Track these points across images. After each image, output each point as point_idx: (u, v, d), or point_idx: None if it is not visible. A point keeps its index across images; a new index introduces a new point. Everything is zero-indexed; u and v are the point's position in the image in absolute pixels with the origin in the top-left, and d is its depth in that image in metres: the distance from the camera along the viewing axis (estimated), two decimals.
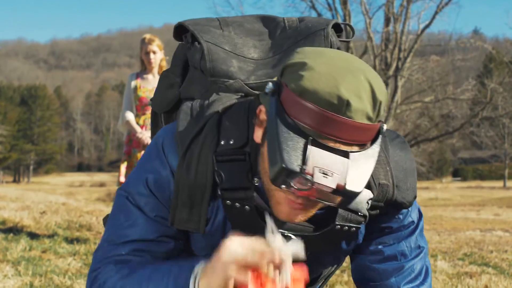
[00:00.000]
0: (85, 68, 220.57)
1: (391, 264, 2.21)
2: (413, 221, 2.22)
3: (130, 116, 7.48)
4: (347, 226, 2.03)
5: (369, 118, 1.74)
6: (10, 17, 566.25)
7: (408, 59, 36.77)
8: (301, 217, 1.92)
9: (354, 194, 1.73)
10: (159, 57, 7.62)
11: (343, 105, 1.70)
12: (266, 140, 1.85)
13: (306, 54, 1.82)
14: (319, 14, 37.32)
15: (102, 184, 69.46)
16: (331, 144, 1.72)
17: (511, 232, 13.49)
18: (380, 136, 1.83)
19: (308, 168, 1.68)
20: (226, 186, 1.96)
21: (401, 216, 2.19)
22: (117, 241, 2.08)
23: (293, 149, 1.70)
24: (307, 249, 1.90)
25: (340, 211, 2.01)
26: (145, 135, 7.28)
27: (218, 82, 2.22)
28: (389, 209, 2.13)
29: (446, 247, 8.85)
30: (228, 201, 1.98)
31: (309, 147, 1.70)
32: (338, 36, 2.46)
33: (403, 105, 39.79)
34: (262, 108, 1.91)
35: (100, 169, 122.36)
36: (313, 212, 1.93)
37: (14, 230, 8.06)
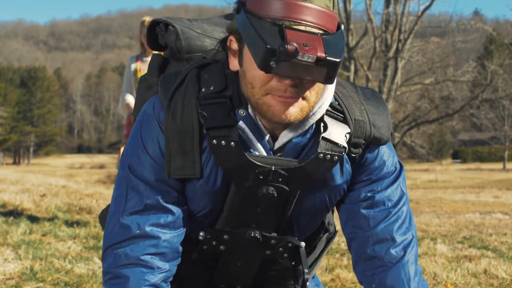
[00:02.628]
0: (85, 50, 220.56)
1: (379, 209, 2.33)
2: (395, 168, 2.37)
3: (130, 98, 7.47)
4: (329, 154, 2.15)
5: (327, 6, 1.98)
6: None
7: (408, 41, 36.70)
8: (295, 110, 2.02)
9: (336, 63, 1.89)
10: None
11: None
12: (244, 52, 2.04)
13: None
14: None
15: (102, 166, 69.37)
16: (303, 28, 1.93)
17: (510, 214, 13.48)
18: (340, 27, 2.03)
19: (290, 44, 1.83)
20: (210, 125, 2.09)
21: (381, 157, 2.33)
22: (123, 213, 2.20)
23: (271, 35, 1.89)
24: (295, 184, 2.14)
25: (322, 142, 2.14)
26: None
27: (194, 58, 2.37)
28: (369, 148, 2.29)
29: (445, 230, 8.86)
30: (214, 140, 2.09)
31: (286, 30, 1.89)
32: None
33: (403, 87, 39.76)
34: (231, 38, 2.12)
35: (100, 151, 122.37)
36: (305, 105, 2.04)
37: (14, 213, 8.07)
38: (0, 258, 5.32)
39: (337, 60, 1.88)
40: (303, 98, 2.02)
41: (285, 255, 2.39)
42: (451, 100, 45.20)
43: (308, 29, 1.93)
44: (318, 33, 1.92)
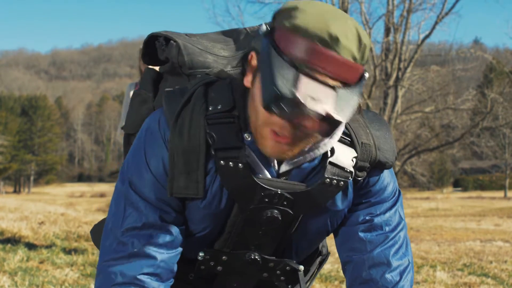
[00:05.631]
0: (86, 78, 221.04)
1: (377, 233, 2.31)
2: (394, 193, 2.36)
3: None
4: (336, 179, 2.12)
5: (354, 58, 1.89)
6: (11, 27, 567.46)
7: (409, 69, 36.81)
8: (288, 152, 2.01)
9: (340, 123, 1.87)
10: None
11: (332, 40, 1.85)
12: (258, 76, 1.98)
13: (296, 1, 1.96)
14: None
15: (102, 195, 69.30)
16: (320, 77, 1.84)
17: (511, 242, 13.45)
18: (364, 78, 1.96)
19: (299, 94, 1.81)
20: (219, 146, 2.05)
21: (383, 181, 2.31)
22: (120, 229, 2.14)
23: (285, 77, 1.83)
24: (300, 208, 2.12)
25: (328, 167, 2.12)
26: None
27: (196, 74, 2.35)
28: (373, 172, 2.26)
29: (445, 258, 8.83)
30: (222, 161, 2.05)
31: (300, 76, 1.83)
32: None
33: (404, 115, 39.81)
34: (253, 53, 2.04)
35: (100, 180, 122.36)
36: (298, 148, 2.02)
37: (12, 241, 8.05)
38: None
39: (343, 121, 1.86)
40: (299, 141, 2.00)
41: (282, 278, 2.36)
42: (452, 128, 45.23)
43: (326, 79, 1.85)
44: (335, 86, 1.85)
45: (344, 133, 2.19)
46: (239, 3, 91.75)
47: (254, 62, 2.03)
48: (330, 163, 2.12)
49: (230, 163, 2.05)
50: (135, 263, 2.11)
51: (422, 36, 36.78)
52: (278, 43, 1.91)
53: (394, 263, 2.30)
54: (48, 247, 7.79)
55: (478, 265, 8.07)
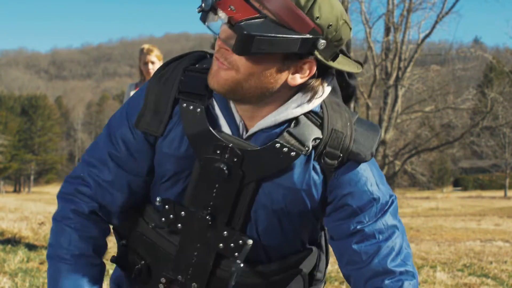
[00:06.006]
0: (86, 78, 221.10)
1: (370, 243, 2.24)
2: (384, 198, 2.28)
3: None
4: (287, 147, 2.13)
5: (297, 2, 1.97)
6: (11, 26, 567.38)
7: (409, 69, 36.83)
8: (220, 77, 2.08)
9: (243, 34, 1.93)
10: (157, 67, 7.63)
11: None
12: None
13: None
14: None
15: None
16: None
17: (511, 242, 13.45)
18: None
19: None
20: (184, 89, 2.21)
21: (365, 181, 2.26)
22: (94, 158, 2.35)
23: None
24: (249, 170, 2.16)
25: (285, 134, 2.14)
26: None
27: None
28: (348, 166, 2.23)
29: (445, 258, 8.83)
30: (184, 104, 2.19)
31: None
32: None
33: (404, 114, 39.82)
34: None
35: None
36: (217, 67, 2.09)
37: (12, 241, 8.05)
38: None
39: (244, 32, 1.93)
40: (232, 68, 2.06)
41: (235, 253, 2.29)
42: (452, 127, 45.26)
43: None
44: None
45: (317, 114, 2.20)
46: None
47: None
48: (288, 131, 2.15)
49: (191, 106, 2.18)
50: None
51: (422, 35, 36.86)
52: None
53: (393, 270, 2.23)
54: None
55: (478, 266, 8.08)
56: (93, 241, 2.35)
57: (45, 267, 6.51)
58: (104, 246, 2.41)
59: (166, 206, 2.31)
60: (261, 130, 2.18)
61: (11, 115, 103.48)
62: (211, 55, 2.30)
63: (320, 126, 2.19)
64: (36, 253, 7.28)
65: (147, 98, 2.25)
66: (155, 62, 7.59)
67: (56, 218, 2.36)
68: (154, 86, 2.25)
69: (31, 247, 7.76)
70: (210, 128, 2.15)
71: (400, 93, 37.01)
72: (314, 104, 2.18)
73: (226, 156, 2.16)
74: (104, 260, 2.39)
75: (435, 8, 36.68)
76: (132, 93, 7.62)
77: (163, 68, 2.28)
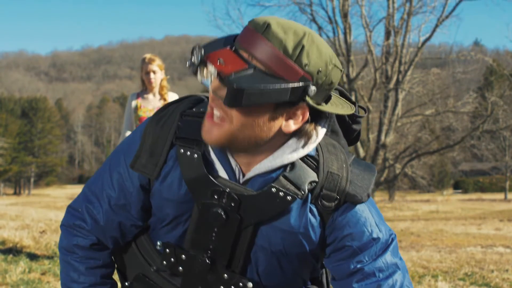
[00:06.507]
0: (86, 80, 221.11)
1: (370, 281, 2.24)
2: (384, 237, 2.29)
3: None
4: (283, 192, 2.15)
5: (284, 49, 1.97)
6: (11, 29, 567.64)
7: (409, 72, 36.88)
8: (214, 131, 2.09)
9: (232, 84, 1.93)
10: (159, 77, 7.63)
11: (263, 26, 1.99)
12: None
13: None
14: (320, 27, 37.45)
15: None
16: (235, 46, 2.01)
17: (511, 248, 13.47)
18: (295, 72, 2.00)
19: (198, 46, 2.01)
20: (181, 135, 2.24)
21: (363, 223, 2.26)
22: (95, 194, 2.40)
23: (218, 43, 2.04)
24: (247, 214, 2.18)
25: (281, 179, 2.16)
26: None
27: None
28: (345, 208, 2.24)
29: (446, 267, 8.83)
30: (181, 149, 2.22)
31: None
32: None
33: (404, 118, 39.86)
34: None
35: None
36: (210, 123, 2.11)
37: (14, 251, 8.05)
38: None
39: (234, 85, 1.94)
40: (225, 119, 2.08)
41: None
42: (452, 131, 45.22)
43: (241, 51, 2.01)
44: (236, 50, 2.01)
45: (313, 157, 2.22)
46: (239, 6, 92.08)
47: None
48: (284, 175, 2.17)
49: (188, 152, 2.20)
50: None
51: (422, 39, 36.91)
52: None
53: None
54: (50, 257, 7.79)
55: (479, 275, 8.07)
56: (100, 269, 2.43)
57: (46, 278, 6.51)
58: (112, 266, 2.49)
59: (167, 250, 2.34)
60: (258, 175, 2.20)
61: (11, 117, 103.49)
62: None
63: (316, 169, 2.21)
64: (38, 264, 7.28)
65: (144, 140, 2.29)
66: (157, 72, 7.59)
67: (63, 251, 2.44)
68: (152, 129, 2.28)
69: (32, 257, 7.75)
70: (208, 174, 2.17)
71: (401, 96, 37.08)
72: (309, 149, 2.19)
73: (224, 201, 2.19)
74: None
75: (436, 11, 36.91)
76: (133, 102, 7.63)
77: (162, 111, 2.31)
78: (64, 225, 2.44)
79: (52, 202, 55.37)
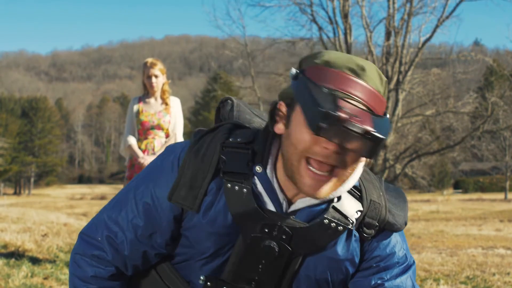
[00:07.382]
0: (86, 80, 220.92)
1: None
2: (407, 260, 2.39)
3: (132, 140, 7.48)
4: (335, 223, 2.20)
5: (378, 90, 2.08)
6: (11, 28, 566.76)
7: (409, 73, 36.79)
8: (326, 188, 2.10)
9: (381, 140, 1.96)
10: (161, 81, 7.62)
11: (359, 70, 2.05)
12: (294, 114, 2.10)
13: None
14: (320, 28, 37.43)
15: (103, 197, 69.24)
16: (354, 102, 2.01)
17: None
18: (386, 114, 2.12)
19: (342, 112, 1.93)
20: (228, 169, 2.20)
21: (394, 246, 2.37)
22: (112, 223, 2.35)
23: (326, 101, 1.96)
24: (298, 246, 2.19)
25: (331, 210, 2.21)
26: (147, 160, 7.27)
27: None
28: (382, 234, 2.34)
29: (448, 270, 8.83)
30: (229, 184, 2.19)
31: (339, 100, 1.98)
32: None
33: (404, 118, 39.79)
34: (281, 103, 2.18)
35: (101, 181, 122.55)
36: (334, 183, 2.10)
37: (16, 255, 8.05)
38: None
39: (383, 137, 1.96)
40: (335, 176, 2.08)
41: None
42: (452, 131, 45.13)
43: (359, 105, 2.01)
44: (368, 110, 2.02)
45: (355, 187, 2.27)
46: (239, 6, 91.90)
47: (283, 109, 2.17)
48: (333, 207, 2.21)
49: (236, 186, 2.18)
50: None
51: (422, 39, 36.75)
52: (312, 79, 2.06)
53: None
54: (52, 261, 7.79)
55: (481, 278, 8.07)
56: None
57: (49, 282, 6.52)
58: (126, 285, 2.47)
59: (209, 283, 2.34)
60: (306, 206, 2.22)
61: (11, 117, 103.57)
62: (237, 125, 2.34)
63: (360, 199, 2.28)
64: (40, 268, 7.28)
65: (183, 171, 2.24)
66: (159, 76, 7.59)
67: (76, 281, 2.39)
68: (191, 161, 2.24)
69: (34, 260, 7.76)
70: (258, 208, 2.17)
71: (401, 97, 36.97)
72: (355, 180, 2.23)
73: (274, 233, 2.20)
74: None
75: (436, 12, 36.61)
76: (135, 107, 7.62)
77: (197, 142, 2.28)
78: (79, 254, 2.38)
79: (52, 202, 55.42)
